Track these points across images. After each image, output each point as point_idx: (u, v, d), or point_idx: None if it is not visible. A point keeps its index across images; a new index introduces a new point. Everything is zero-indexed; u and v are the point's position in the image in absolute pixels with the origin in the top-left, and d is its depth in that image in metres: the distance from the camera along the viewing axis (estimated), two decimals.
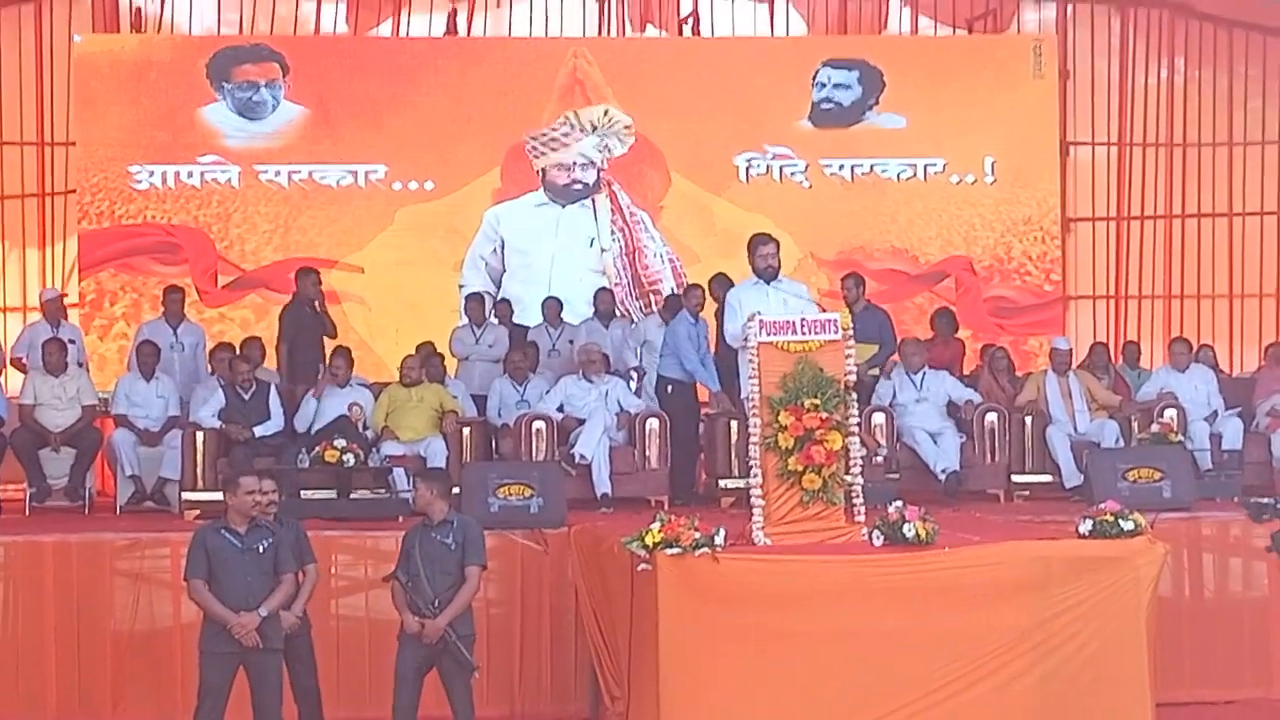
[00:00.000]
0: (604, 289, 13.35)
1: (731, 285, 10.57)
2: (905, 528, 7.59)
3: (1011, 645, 7.49)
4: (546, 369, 12.10)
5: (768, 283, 8.86)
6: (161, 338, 11.76)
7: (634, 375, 11.84)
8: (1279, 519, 6.62)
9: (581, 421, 10.89)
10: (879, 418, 10.98)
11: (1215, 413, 11.67)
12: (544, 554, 9.20)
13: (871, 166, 15.03)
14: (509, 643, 9.10)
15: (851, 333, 7.99)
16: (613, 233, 14.81)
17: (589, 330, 12.44)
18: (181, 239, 14.51)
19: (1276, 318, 15.33)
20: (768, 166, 14.94)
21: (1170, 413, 11.28)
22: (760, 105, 14.93)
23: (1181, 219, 15.51)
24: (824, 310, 8.71)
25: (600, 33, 15.19)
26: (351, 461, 10.13)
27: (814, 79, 14.99)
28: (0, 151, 14.72)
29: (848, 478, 7.83)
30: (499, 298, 13.73)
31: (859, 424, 8.07)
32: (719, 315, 11.28)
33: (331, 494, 10.05)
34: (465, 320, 12.72)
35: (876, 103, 15.04)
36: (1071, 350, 12.10)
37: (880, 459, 10.62)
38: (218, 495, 9.17)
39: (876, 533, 7.69)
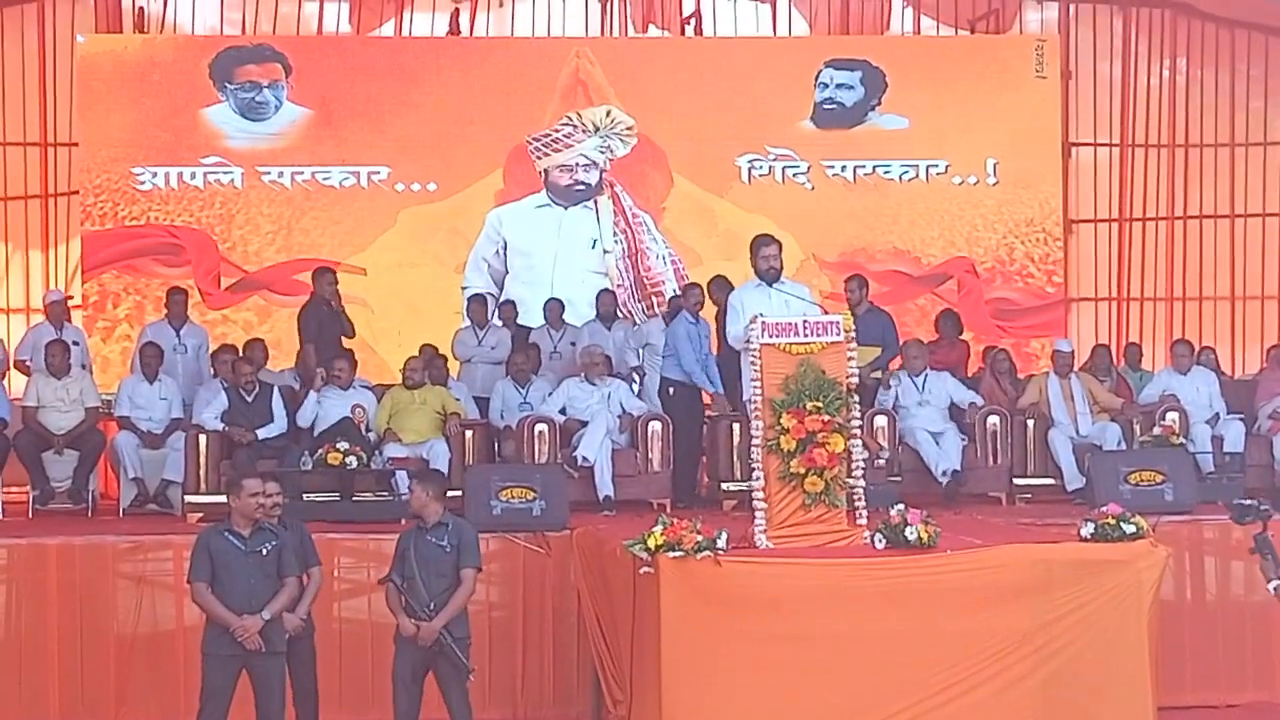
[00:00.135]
0: (606, 290, 13.35)
1: (730, 287, 10.60)
2: (907, 531, 7.61)
3: (1013, 648, 7.50)
4: (548, 371, 12.10)
5: (770, 284, 8.86)
6: (164, 339, 11.76)
7: (635, 377, 11.83)
8: (1262, 520, 6.62)
9: (584, 424, 10.88)
10: (881, 420, 10.97)
11: (1217, 415, 11.66)
12: (546, 557, 9.22)
13: (874, 167, 15.03)
14: (511, 645, 9.12)
15: (854, 335, 8.00)
16: (615, 234, 14.81)
17: (591, 332, 12.44)
18: (184, 240, 14.51)
19: (1279, 320, 15.30)
20: (770, 167, 14.94)
21: (1172, 415, 11.27)
22: (762, 106, 14.94)
23: (1184, 220, 15.50)
24: (826, 312, 8.71)
25: (603, 33, 15.20)
26: (354, 464, 10.15)
27: (816, 79, 14.99)
28: (3, 152, 14.73)
29: (850, 480, 7.84)
30: (504, 299, 13.73)
31: (861, 427, 8.08)
32: (718, 317, 11.32)
33: (334, 496, 10.08)
34: (467, 322, 12.72)
35: (879, 103, 15.04)
36: (1073, 352, 12.10)
37: (882, 462, 10.61)
38: (220, 498, 9.17)
39: (878, 536, 7.71)
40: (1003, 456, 11.21)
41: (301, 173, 14.65)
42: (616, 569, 8.13)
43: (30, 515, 10.58)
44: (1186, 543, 9.38)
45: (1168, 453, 10.58)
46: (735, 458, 10.54)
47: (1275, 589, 6.41)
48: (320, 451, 10.24)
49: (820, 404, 7.68)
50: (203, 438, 10.47)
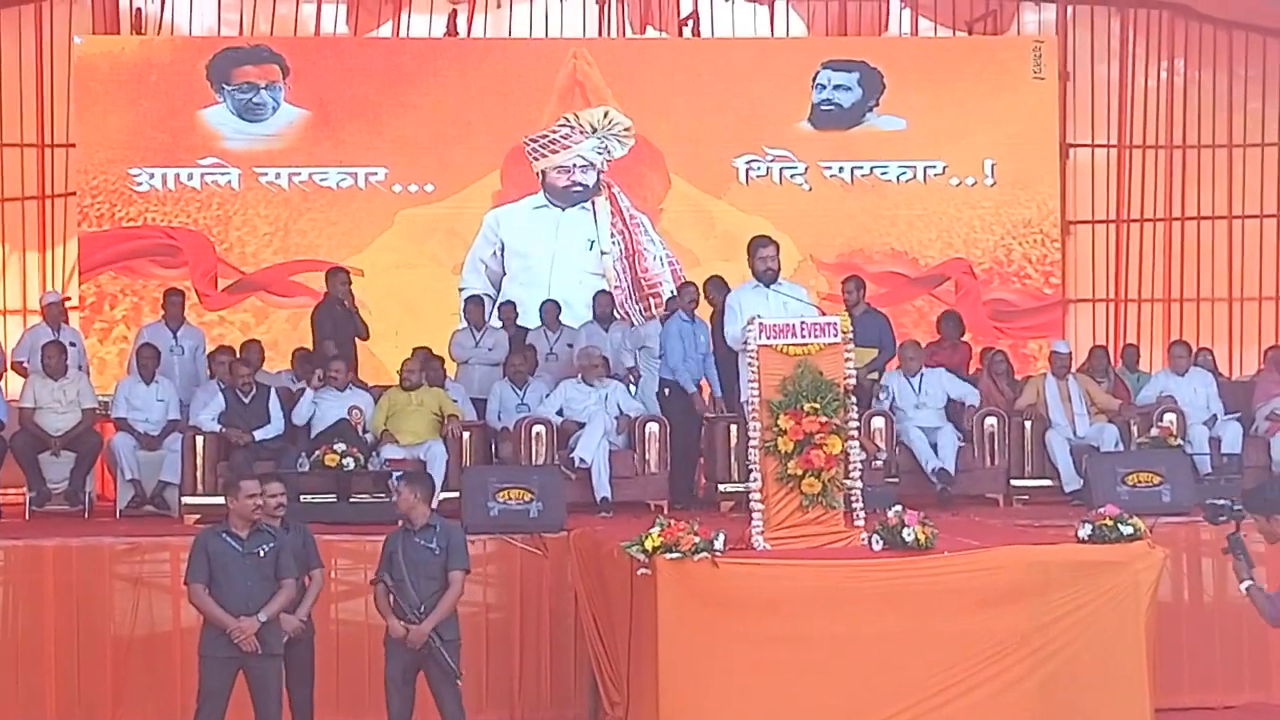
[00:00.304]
0: (603, 292, 13.33)
1: (727, 288, 10.60)
2: (905, 532, 7.61)
3: (1010, 650, 7.51)
4: (545, 372, 12.09)
5: (767, 285, 8.85)
6: (161, 341, 11.76)
7: (630, 378, 11.83)
8: (1236, 520, 6.65)
9: (581, 425, 10.88)
10: (879, 422, 10.97)
11: (1215, 416, 11.66)
12: (543, 558, 9.22)
13: (871, 169, 15.02)
14: (508, 647, 9.12)
15: (851, 336, 8.00)
16: (613, 235, 14.80)
17: (588, 334, 12.42)
18: (181, 241, 14.49)
19: (1276, 321, 15.31)
20: (767, 168, 14.93)
21: (1170, 417, 11.27)
22: (760, 107, 14.92)
23: (1181, 221, 15.49)
24: (823, 313, 8.71)
25: (600, 34, 15.19)
26: (351, 465, 10.16)
27: (814, 81, 14.98)
28: (0, 153, 14.71)
29: (847, 482, 7.85)
30: (504, 300, 13.71)
31: (858, 428, 8.08)
32: (713, 317, 11.33)
33: (331, 498, 10.08)
34: (464, 323, 12.71)
35: (876, 104, 15.02)
36: (1071, 354, 12.10)
37: (880, 463, 10.61)
38: (218, 499, 9.17)
39: (876, 537, 7.71)
40: (1000, 458, 11.20)
41: (299, 174, 14.64)
42: (614, 570, 8.13)
43: (27, 517, 10.58)
44: (1184, 544, 9.38)
45: (1165, 454, 10.59)
46: (733, 459, 10.52)
47: (1247, 589, 6.47)
48: (317, 453, 10.25)
49: (818, 405, 7.68)
50: (200, 439, 10.46)
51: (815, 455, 7.68)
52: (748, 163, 14.91)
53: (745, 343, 7.97)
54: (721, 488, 10.66)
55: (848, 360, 7.98)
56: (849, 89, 15.02)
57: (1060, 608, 7.58)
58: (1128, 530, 7.80)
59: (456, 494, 10.02)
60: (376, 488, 10.15)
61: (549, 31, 15.25)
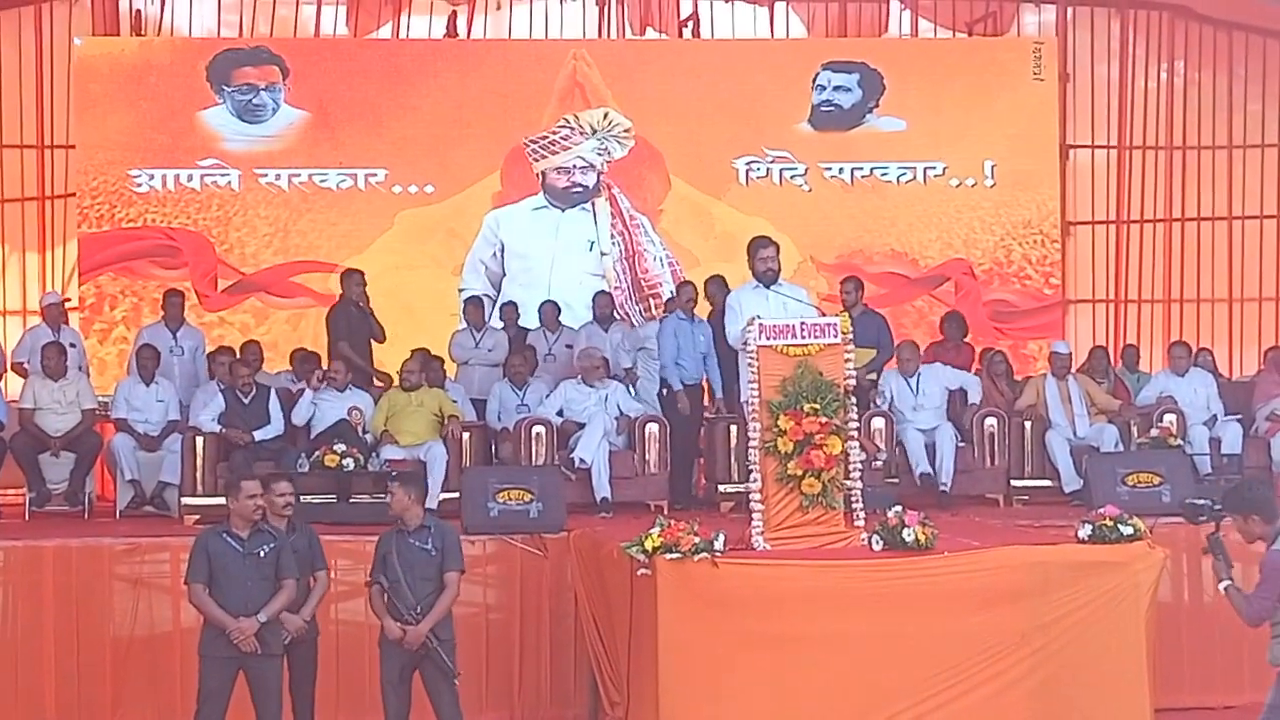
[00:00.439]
0: (603, 292, 13.32)
1: (727, 288, 10.60)
2: (905, 532, 7.62)
3: (1011, 650, 7.51)
4: (544, 373, 12.10)
5: (767, 286, 8.86)
6: (161, 342, 11.76)
7: (628, 378, 11.82)
8: (1215, 520, 6.68)
9: (581, 426, 10.89)
10: (879, 422, 10.97)
11: (1214, 417, 11.67)
12: (543, 559, 9.22)
13: (871, 169, 15.02)
14: (508, 647, 9.12)
15: (851, 337, 8.00)
16: (612, 236, 14.80)
17: (588, 334, 12.43)
18: (181, 242, 14.49)
19: (1276, 321, 15.31)
20: (767, 169, 14.93)
21: (1169, 417, 11.28)
22: (760, 108, 14.92)
23: (1181, 222, 15.49)
24: (823, 314, 8.71)
25: (600, 35, 15.18)
26: (351, 466, 10.16)
27: (814, 82, 14.98)
28: (0, 155, 14.71)
29: (847, 482, 7.85)
30: (505, 301, 13.71)
31: (858, 428, 8.08)
32: (711, 316, 11.32)
33: (331, 498, 10.09)
34: (464, 324, 12.71)
35: (876, 105, 15.02)
36: (1071, 354, 12.11)
37: (880, 463, 10.61)
38: (217, 500, 9.18)
39: (876, 537, 7.71)
40: (1000, 458, 11.20)
41: (299, 175, 14.64)
42: (614, 571, 8.13)
43: (27, 517, 10.59)
44: (1184, 544, 9.35)
45: (1165, 454, 10.60)
46: (733, 459, 10.53)
47: (1225, 588, 6.51)
48: (317, 453, 10.26)
49: (818, 406, 7.69)
50: (200, 440, 10.46)
51: (815, 456, 7.68)
52: (747, 164, 14.91)
53: (745, 343, 7.97)
54: (721, 488, 10.68)
55: (848, 361, 7.98)
56: (849, 90, 15.02)
57: (1060, 608, 7.59)
58: (1128, 531, 7.81)
59: (456, 494, 10.03)
60: (376, 488, 10.13)
61: (549, 33, 15.25)
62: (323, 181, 14.65)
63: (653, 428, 10.89)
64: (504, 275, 14.66)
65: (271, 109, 14.64)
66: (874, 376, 11.32)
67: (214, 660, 7.24)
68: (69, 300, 13.53)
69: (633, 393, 11.44)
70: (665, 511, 9.73)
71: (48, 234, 14.79)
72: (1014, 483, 11.27)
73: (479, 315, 12.74)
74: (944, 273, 15.05)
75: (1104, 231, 15.61)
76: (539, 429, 10.77)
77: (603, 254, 14.77)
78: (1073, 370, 11.92)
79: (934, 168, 15.00)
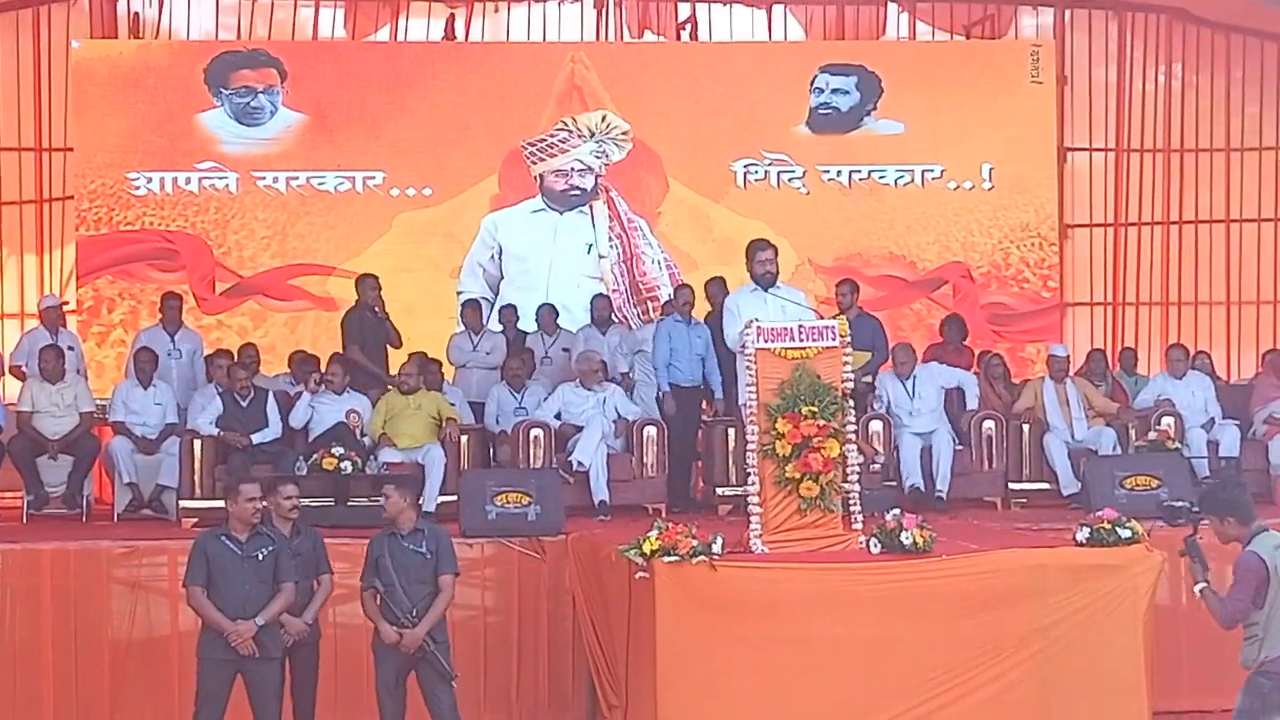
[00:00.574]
0: (601, 295, 13.33)
1: (728, 289, 10.59)
2: (903, 535, 7.61)
3: (1009, 653, 7.52)
4: (541, 376, 12.11)
5: (765, 289, 8.86)
6: (159, 345, 11.77)
7: (625, 383, 11.82)
8: (1193, 523, 6.70)
9: (579, 428, 10.89)
10: (876, 425, 10.97)
11: (1212, 420, 11.68)
12: (541, 561, 9.22)
13: (869, 172, 15.01)
14: (506, 650, 9.12)
15: (849, 340, 8.00)
16: (610, 239, 14.79)
17: (585, 337, 12.43)
18: (179, 245, 14.47)
19: (1274, 324, 15.29)
20: (765, 172, 14.93)
21: (1167, 420, 11.29)
22: (758, 111, 14.91)
23: (1179, 225, 15.48)
24: (821, 317, 8.71)
25: (598, 38, 15.16)
26: (349, 469, 10.16)
27: (812, 85, 14.97)
28: None
29: (845, 485, 7.85)
30: (503, 304, 13.70)
31: (856, 431, 8.08)
32: (709, 317, 11.32)
33: (329, 501, 10.08)
34: (462, 327, 12.70)
35: (874, 108, 15.01)
36: (1069, 357, 12.12)
37: (878, 466, 10.61)
38: (215, 503, 9.18)
39: (874, 540, 7.71)
40: (998, 461, 11.21)
41: (296, 178, 14.62)
42: (612, 574, 8.13)
43: (24, 520, 10.60)
44: (1182, 547, 9.35)
45: (1163, 457, 10.61)
46: (731, 462, 10.54)
47: (1201, 591, 6.53)
48: (315, 456, 10.25)
49: (815, 409, 7.69)
50: (197, 443, 10.46)
51: (813, 458, 7.68)
52: (745, 166, 14.91)
53: (743, 346, 7.97)
54: (720, 491, 10.68)
55: (846, 364, 7.98)
56: (847, 93, 15.02)
57: (1058, 611, 7.59)
58: (1126, 534, 7.82)
59: (454, 497, 10.03)
60: (374, 491, 10.09)
61: (547, 35, 15.24)
62: (321, 184, 14.64)
63: (651, 431, 10.89)
64: (502, 278, 14.66)
65: (269, 112, 14.62)
66: (869, 379, 11.30)
67: (212, 663, 7.24)
68: (67, 303, 13.52)
69: (631, 396, 11.44)
70: (663, 514, 9.75)
71: (45, 237, 14.76)
72: (1012, 486, 11.27)
73: (477, 318, 12.74)
74: (942, 275, 15.04)
75: (1102, 234, 15.60)
76: (537, 432, 10.78)
77: (601, 257, 14.76)
78: (1071, 373, 11.93)
79: (932, 170, 15.00)
